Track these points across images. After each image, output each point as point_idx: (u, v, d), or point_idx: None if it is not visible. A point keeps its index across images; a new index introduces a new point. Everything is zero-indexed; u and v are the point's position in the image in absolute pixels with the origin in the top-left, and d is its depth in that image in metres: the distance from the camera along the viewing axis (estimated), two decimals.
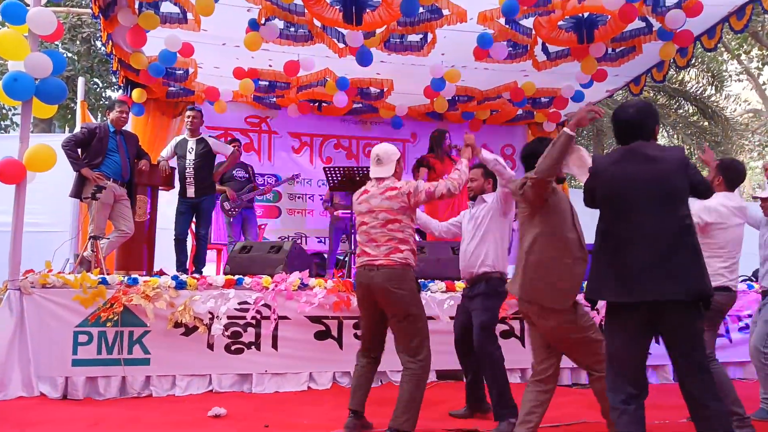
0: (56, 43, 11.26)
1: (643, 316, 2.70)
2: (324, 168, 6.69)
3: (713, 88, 15.46)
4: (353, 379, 3.85)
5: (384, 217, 3.61)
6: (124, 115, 5.91)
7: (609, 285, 2.75)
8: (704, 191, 2.90)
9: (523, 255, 3.22)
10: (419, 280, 5.26)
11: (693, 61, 10.27)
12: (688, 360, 2.68)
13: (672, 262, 2.64)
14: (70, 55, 13.10)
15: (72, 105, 13.11)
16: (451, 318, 5.18)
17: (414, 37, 6.46)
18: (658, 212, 2.71)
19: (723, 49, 15.82)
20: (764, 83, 17.72)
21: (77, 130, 6.22)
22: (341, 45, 6.36)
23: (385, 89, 7.94)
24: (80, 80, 7.99)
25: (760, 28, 14.81)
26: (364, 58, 6.36)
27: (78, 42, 12.99)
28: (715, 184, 3.95)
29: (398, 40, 6.49)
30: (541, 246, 3.16)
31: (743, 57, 17.15)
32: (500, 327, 5.02)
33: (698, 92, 15.08)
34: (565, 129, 2.98)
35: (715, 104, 15.09)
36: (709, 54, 13.75)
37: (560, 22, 6.07)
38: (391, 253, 3.57)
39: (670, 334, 2.71)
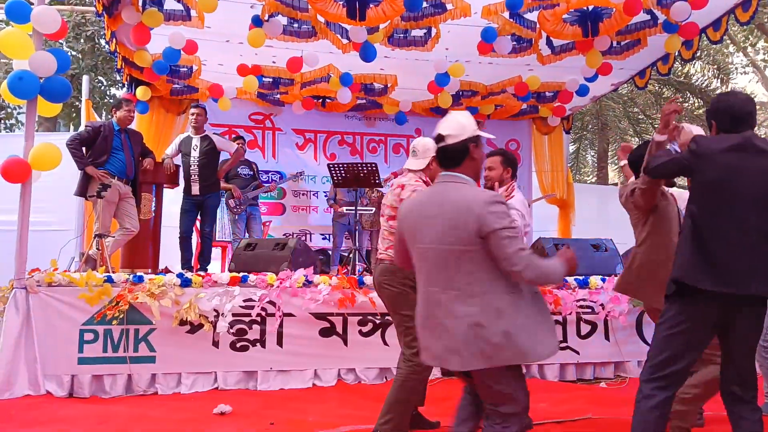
0: (60, 41, 11.28)
1: (720, 310, 2.66)
2: (328, 164, 6.69)
3: (719, 81, 15.36)
4: None
5: (388, 213, 3.60)
6: (132, 114, 5.96)
7: (706, 272, 2.64)
8: None
9: (635, 257, 3.38)
10: None
11: (698, 54, 10.21)
12: (747, 354, 2.72)
13: (763, 261, 2.62)
14: (74, 53, 13.12)
15: (77, 103, 13.16)
16: None
17: (418, 32, 6.44)
18: (760, 207, 2.65)
19: (729, 41, 15.70)
20: None
21: (82, 128, 6.23)
22: (345, 41, 6.34)
23: (389, 85, 7.92)
24: (84, 78, 7.99)
25: (766, 20, 14.69)
26: (367, 53, 6.34)
27: (82, 40, 13.00)
28: None
29: (402, 36, 6.47)
30: (650, 249, 3.29)
31: (749, 49, 17.04)
32: None
33: (704, 85, 14.99)
34: (654, 136, 3.05)
35: None
36: (714, 46, 13.66)
37: (565, 16, 6.04)
38: (388, 248, 3.53)
39: (739, 328, 2.69)
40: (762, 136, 2.84)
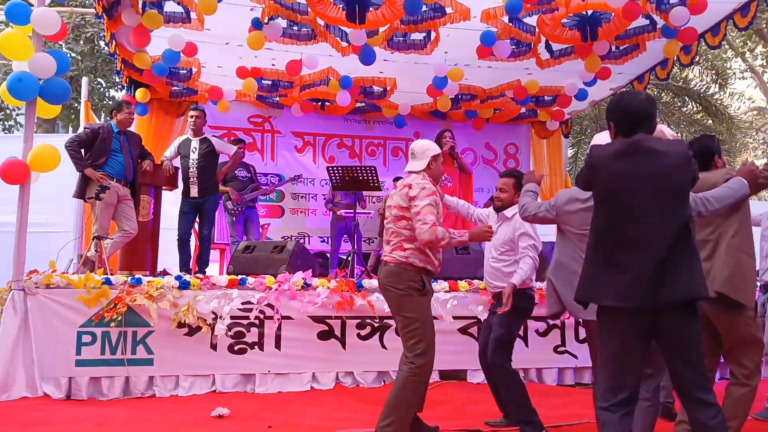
0: (60, 43, 11.29)
1: (642, 322, 2.53)
2: (327, 167, 6.69)
3: (717, 86, 15.39)
4: None
5: (395, 213, 3.53)
6: (132, 116, 5.98)
7: (608, 288, 2.54)
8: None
9: (721, 254, 3.24)
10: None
11: (697, 59, 10.22)
12: (687, 362, 2.55)
13: (672, 266, 2.49)
14: (73, 55, 13.14)
15: (76, 105, 13.18)
16: (455, 318, 5.20)
17: (417, 36, 6.45)
18: (662, 212, 2.53)
19: (727, 46, 15.75)
20: None
21: (80, 130, 6.23)
22: (344, 44, 6.36)
23: (388, 88, 7.93)
24: (84, 80, 8.00)
25: (764, 26, 14.73)
26: (367, 56, 6.35)
27: (82, 42, 13.02)
28: None
29: (401, 39, 6.49)
30: (734, 245, 3.23)
31: (747, 54, 17.09)
32: None
33: (702, 90, 15.02)
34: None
35: (719, 102, 15.03)
36: (713, 51, 13.70)
37: (564, 20, 6.06)
38: (395, 250, 3.50)
39: (670, 338, 2.55)
40: (659, 137, 2.72)
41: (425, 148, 3.66)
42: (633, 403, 2.59)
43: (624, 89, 8.76)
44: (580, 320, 4.09)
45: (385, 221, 3.66)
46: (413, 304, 3.46)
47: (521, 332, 5.32)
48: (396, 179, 7.36)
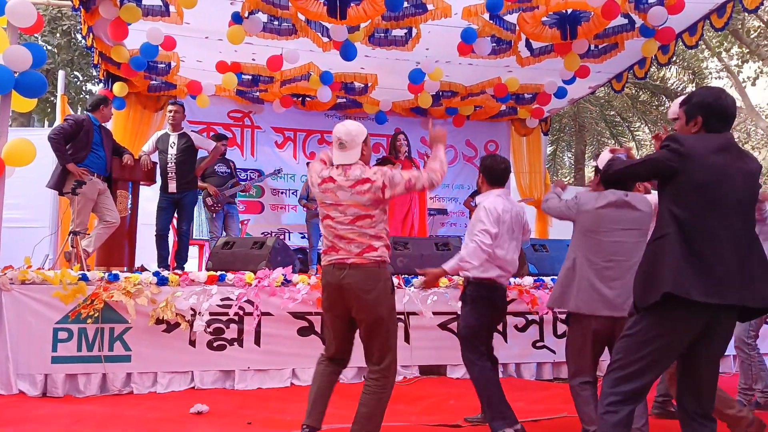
0: (36, 35, 11.09)
1: (703, 320, 2.49)
2: (308, 163, 6.67)
3: (694, 85, 15.60)
4: (312, 386, 3.37)
5: (354, 212, 3.18)
6: (112, 113, 5.90)
7: (697, 282, 2.44)
8: None
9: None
10: (404, 276, 5.31)
11: (674, 59, 10.36)
12: (714, 367, 2.61)
13: (752, 267, 2.50)
14: (50, 47, 12.91)
15: (52, 98, 12.95)
16: (435, 313, 5.21)
17: (398, 32, 6.45)
18: (744, 214, 2.56)
19: (704, 46, 15.95)
20: (744, 81, 17.90)
21: (60, 122, 6.12)
22: (325, 39, 6.33)
23: (369, 84, 7.93)
24: (60, 73, 7.89)
25: (740, 26, 14.96)
26: (348, 52, 6.33)
27: (58, 35, 12.81)
28: None
29: (383, 35, 6.48)
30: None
31: (723, 54, 17.31)
32: None
33: (679, 89, 15.21)
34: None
35: None
36: (690, 51, 13.88)
37: (544, 18, 6.09)
38: (365, 251, 3.16)
39: (715, 339, 2.56)
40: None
41: (355, 133, 3.30)
42: (640, 401, 2.63)
43: (602, 88, 8.84)
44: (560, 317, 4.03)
45: (330, 222, 3.22)
46: (390, 306, 3.26)
47: (500, 328, 5.35)
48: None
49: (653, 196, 3.64)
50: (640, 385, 2.56)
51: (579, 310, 3.37)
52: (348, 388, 4.83)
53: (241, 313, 4.93)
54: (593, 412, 3.24)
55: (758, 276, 2.50)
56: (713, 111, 2.64)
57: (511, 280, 5.16)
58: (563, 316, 5.47)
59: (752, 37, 15.64)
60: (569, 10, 6.02)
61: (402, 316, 5.16)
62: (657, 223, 2.65)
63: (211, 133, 8.05)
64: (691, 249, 2.48)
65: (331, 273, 3.22)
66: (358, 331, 3.32)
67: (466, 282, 3.88)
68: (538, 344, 5.48)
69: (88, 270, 4.95)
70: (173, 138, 6.57)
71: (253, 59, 7.22)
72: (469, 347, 3.78)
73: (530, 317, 5.47)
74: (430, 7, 5.94)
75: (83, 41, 7.05)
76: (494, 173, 3.89)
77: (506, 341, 5.38)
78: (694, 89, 15.26)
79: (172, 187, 6.47)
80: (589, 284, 3.33)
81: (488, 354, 3.87)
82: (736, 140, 2.66)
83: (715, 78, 19.04)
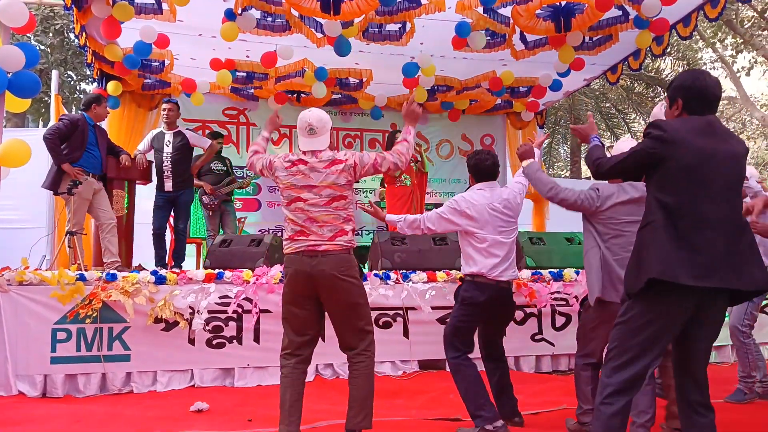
0: (29, 35, 11.05)
1: (693, 304, 2.50)
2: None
3: None
4: (284, 390, 3.26)
5: (329, 193, 3.18)
6: (107, 112, 5.88)
7: (685, 266, 2.42)
8: None
9: None
10: (402, 271, 5.32)
11: (668, 50, 10.37)
12: (707, 352, 2.61)
13: (743, 251, 2.49)
14: (43, 47, 12.87)
15: (46, 98, 12.93)
16: (433, 308, 5.22)
17: (392, 27, 6.44)
18: (731, 195, 2.54)
19: (698, 37, 15.96)
20: (738, 71, 17.92)
21: (56, 122, 6.09)
22: (319, 35, 6.32)
23: (364, 79, 7.92)
24: (54, 73, 7.83)
25: (734, 17, 14.96)
26: (342, 48, 6.32)
27: (51, 34, 12.76)
28: None
29: (377, 30, 6.47)
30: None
31: (718, 45, 17.32)
32: None
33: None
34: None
35: None
36: (684, 42, 13.89)
37: (538, 11, 6.08)
38: (337, 235, 3.17)
39: (707, 323, 2.57)
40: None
41: (325, 120, 3.29)
42: (638, 389, 2.60)
43: (596, 80, 8.84)
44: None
45: (302, 204, 3.20)
46: (362, 290, 3.30)
47: None
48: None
49: None
50: (636, 373, 2.54)
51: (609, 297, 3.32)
52: (347, 383, 4.85)
53: (239, 310, 4.93)
54: (590, 393, 3.28)
55: (748, 259, 2.49)
56: (692, 93, 2.63)
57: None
58: (562, 309, 5.51)
59: (746, 27, 15.64)
60: (563, 3, 6.02)
61: (400, 311, 5.18)
62: (645, 210, 2.64)
63: (207, 131, 8.03)
64: (678, 233, 2.47)
65: (300, 261, 3.19)
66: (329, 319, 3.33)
67: (461, 279, 3.86)
68: (536, 337, 5.49)
69: (86, 270, 4.94)
70: (169, 136, 6.55)
71: (247, 56, 7.21)
72: (449, 346, 3.71)
73: (528, 310, 5.48)
74: (423, 1, 5.93)
75: (76, 40, 7.04)
76: (482, 170, 3.85)
77: (505, 334, 5.37)
78: None
79: (168, 185, 6.45)
80: (618, 276, 3.30)
81: (494, 352, 3.91)
82: (719, 122, 2.63)
83: (710, 68, 19.06)
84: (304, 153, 3.26)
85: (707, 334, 2.59)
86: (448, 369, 5.22)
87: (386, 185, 7.39)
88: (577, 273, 5.59)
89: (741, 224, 2.54)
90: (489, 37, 6.60)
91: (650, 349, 2.54)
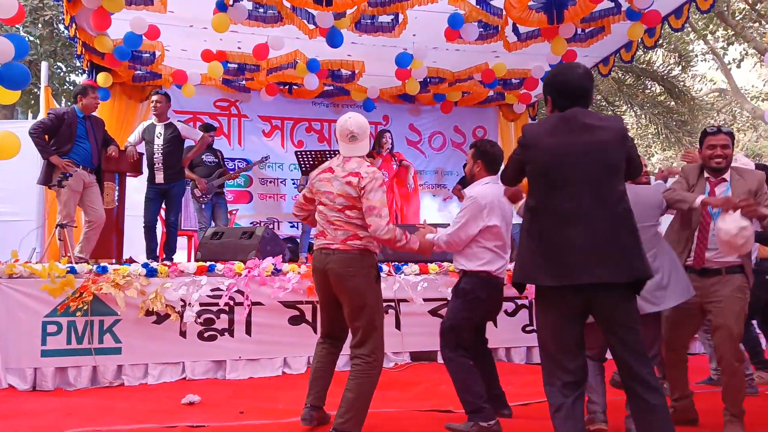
0: (17, 26, 10.93)
1: (578, 300, 2.47)
2: (296, 152, 6.65)
3: (680, 68, 15.65)
4: (312, 368, 3.55)
5: (341, 202, 3.27)
6: (97, 101, 5.84)
7: (543, 268, 2.46)
8: (637, 168, 2.67)
9: None
10: (394, 263, 5.32)
11: (660, 42, 10.37)
12: (625, 346, 2.48)
13: (612, 242, 2.42)
14: (32, 38, 12.73)
15: (35, 90, 12.81)
16: (425, 300, 5.23)
17: (385, 18, 6.42)
18: (596, 187, 2.46)
19: (689, 29, 15.97)
20: (729, 63, 17.96)
21: (43, 116, 6.06)
22: (311, 26, 6.29)
23: (356, 71, 7.89)
24: (43, 65, 7.77)
25: (725, 8, 14.98)
26: (334, 39, 6.29)
27: (40, 25, 12.62)
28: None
29: (369, 21, 6.45)
30: None
31: (709, 37, 17.34)
32: None
33: (665, 72, 15.24)
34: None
35: (682, 84, 15.27)
36: (675, 34, 13.88)
37: (530, 3, 6.09)
38: (349, 239, 3.25)
39: (607, 318, 2.50)
40: (596, 112, 2.70)
41: (364, 126, 3.34)
42: (581, 386, 2.55)
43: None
44: None
45: (322, 207, 3.35)
46: (374, 293, 3.30)
47: None
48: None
49: (662, 185, 3.67)
50: (565, 370, 2.51)
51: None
52: (339, 375, 4.82)
53: (231, 303, 4.92)
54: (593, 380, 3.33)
55: (622, 250, 2.43)
56: (555, 88, 2.64)
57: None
58: None
59: (737, 19, 15.67)
60: None
61: (393, 303, 5.19)
62: None
63: (198, 123, 7.98)
64: (540, 235, 2.52)
65: (318, 258, 3.37)
66: None
67: (462, 273, 3.73)
68: (527, 328, 5.51)
69: (76, 262, 4.91)
70: (159, 128, 6.51)
71: (239, 47, 7.17)
72: (447, 343, 3.63)
73: (519, 302, 5.50)
74: None
75: (66, 31, 6.98)
76: (496, 159, 3.75)
77: (496, 326, 5.37)
78: (680, 72, 15.29)
79: (160, 177, 6.42)
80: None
81: (480, 345, 3.86)
82: (583, 114, 2.55)
83: (701, 60, 19.12)
84: (339, 157, 3.39)
85: (609, 327, 2.50)
86: (440, 360, 5.25)
87: None
88: None
89: (612, 215, 2.46)
90: (481, 29, 6.59)
91: (559, 345, 2.54)
